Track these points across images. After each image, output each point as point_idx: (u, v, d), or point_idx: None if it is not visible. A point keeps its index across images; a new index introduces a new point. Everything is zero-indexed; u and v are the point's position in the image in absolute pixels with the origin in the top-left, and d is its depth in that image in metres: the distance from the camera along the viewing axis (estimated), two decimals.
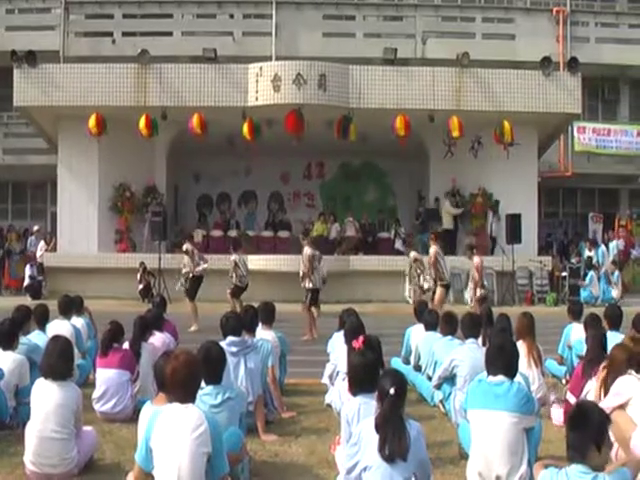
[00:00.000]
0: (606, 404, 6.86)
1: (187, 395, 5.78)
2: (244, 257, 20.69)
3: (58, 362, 7.26)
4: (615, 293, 26.17)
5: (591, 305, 23.21)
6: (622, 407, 6.97)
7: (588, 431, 4.97)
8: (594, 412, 5.09)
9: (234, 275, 20.16)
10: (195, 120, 25.15)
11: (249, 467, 7.17)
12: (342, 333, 9.93)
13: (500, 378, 6.63)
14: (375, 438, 5.72)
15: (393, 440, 5.63)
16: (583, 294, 25.76)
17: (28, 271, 26.89)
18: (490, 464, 6.36)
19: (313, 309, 18.36)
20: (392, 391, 5.78)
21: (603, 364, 7.97)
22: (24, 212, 36.84)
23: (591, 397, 7.91)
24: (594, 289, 25.99)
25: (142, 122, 25.26)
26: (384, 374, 6.24)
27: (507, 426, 6.38)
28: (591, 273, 26.33)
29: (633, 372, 7.30)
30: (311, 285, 18.51)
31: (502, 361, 6.74)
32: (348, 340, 9.17)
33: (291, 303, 19.60)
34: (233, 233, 28.42)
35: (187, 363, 5.82)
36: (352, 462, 5.86)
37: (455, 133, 25.69)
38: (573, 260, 28.02)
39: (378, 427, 5.69)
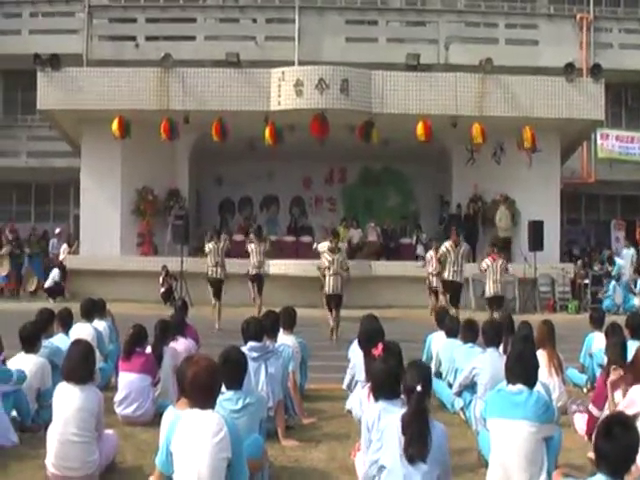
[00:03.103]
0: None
1: (207, 400, 5.78)
2: (259, 247, 21.06)
3: (79, 366, 7.28)
4: (637, 301, 26.01)
5: (613, 313, 23.04)
6: (635, 417, 6.92)
7: (626, 443, 4.87)
8: (634, 425, 4.99)
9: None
10: (214, 127, 25.24)
11: (269, 473, 7.18)
12: None
13: (519, 387, 6.59)
14: (396, 437, 5.74)
15: (416, 441, 5.65)
16: (605, 302, 25.62)
17: (54, 274, 26.97)
18: (509, 473, 6.33)
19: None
20: (419, 388, 5.80)
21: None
22: (47, 214, 37.05)
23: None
24: (616, 297, 25.84)
25: (162, 126, 25.36)
26: (409, 367, 6.26)
27: (526, 435, 6.34)
28: (613, 282, 26.20)
29: None
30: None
31: (521, 370, 6.71)
32: (363, 347, 9.19)
33: (312, 308, 19.63)
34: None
35: (208, 368, 5.83)
36: (373, 460, 5.89)
37: (477, 140, 25.64)
38: (595, 267, 27.87)
39: (404, 426, 5.71)
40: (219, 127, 25.35)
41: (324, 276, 18.81)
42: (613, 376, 8.11)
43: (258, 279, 20.94)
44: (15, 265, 28.50)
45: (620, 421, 4.94)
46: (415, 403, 5.79)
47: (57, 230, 30.74)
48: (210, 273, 20.63)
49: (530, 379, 6.71)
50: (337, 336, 18.01)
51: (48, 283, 26.57)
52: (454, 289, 19.75)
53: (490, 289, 20.06)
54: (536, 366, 6.98)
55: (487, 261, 20.25)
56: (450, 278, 19.59)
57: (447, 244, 19.73)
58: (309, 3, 34.83)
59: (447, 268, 19.53)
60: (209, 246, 20.83)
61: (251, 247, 21.14)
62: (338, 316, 18.52)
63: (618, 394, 7.95)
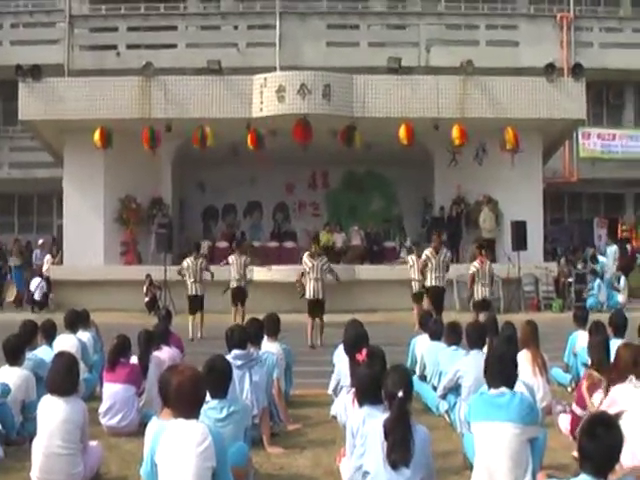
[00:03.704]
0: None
1: (192, 410, 5.79)
2: (240, 259, 20.88)
3: (63, 378, 7.29)
4: (621, 298, 26.12)
5: (597, 311, 23.10)
6: (617, 416, 6.94)
7: (609, 443, 4.88)
8: (617, 424, 5.01)
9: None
10: (193, 136, 25.32)
11: None
12: None
13: (501, 390, 6.61)
14: (379, 443, 5.78)
15: (399, 447, 5.67)
16: (589, 300, 25.69)
17: (33, 284, 26.91)
18: (494, 476, 6.33)
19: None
20: (400, 394, 5.82)
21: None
22: (30, 225, 36.97)
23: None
24: (600, 295, 25.91)
25: (142, 135, 25.38)
26: (390, 373, 6.29)
27: (510, 437, 6.34)
28: (597, 280, 26.29)
29: (634, 379, 7.29)
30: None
31: (501, 372, 6.72)
32: (347, 351, 9.21)
33: (296, 313, 19.62)
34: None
35: (192, 378, 5.83)
36: (357, 466, 5.92)
37: (457, 142, 25.70)
38: (579, 266, 27.95)
39: (387, 432, 5.74)
40: (199, 135, 25.37)
41: (303, 283, 18.88)
42: (587, 382, 8.17)
43: (239, 292, 20.74)
44: None
45: (603, 421, 4.96)
46: (397, 409, 5.82)
47: (40, 241, 30.64)
48: (189, 290, 20.39)
49: (510, 380, 6.73)
50: (321, 341, 17.97)
51: (37, 295, 26.47)
52: (437, 294, 19.65)
53: (478, 293, 19.92)
54: (515, 366, 6.99)
55: (475, 264, 20.20)
56: (433, 283, 19.57)
57: (427, 252, 19.72)
58: (290, 9, 34.94)
59: (429, 275, 19.56)
60: (187, 262, 20.61)
61: (232, 259, 20.91)
62: (322, 321, 18.46)
63: (598, 394, 7.99)
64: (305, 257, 19.23)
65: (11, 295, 27.79)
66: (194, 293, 20.29)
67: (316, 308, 18.51)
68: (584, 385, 8.20)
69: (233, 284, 20.62)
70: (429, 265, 19.43)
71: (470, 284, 20.26)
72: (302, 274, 19.03)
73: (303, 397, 11.45)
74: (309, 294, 18.62)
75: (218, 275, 21.06)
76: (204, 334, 19.45)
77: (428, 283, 19.63)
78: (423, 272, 19.93)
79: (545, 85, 26.63)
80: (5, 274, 28.69)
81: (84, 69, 32.68)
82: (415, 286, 21.11)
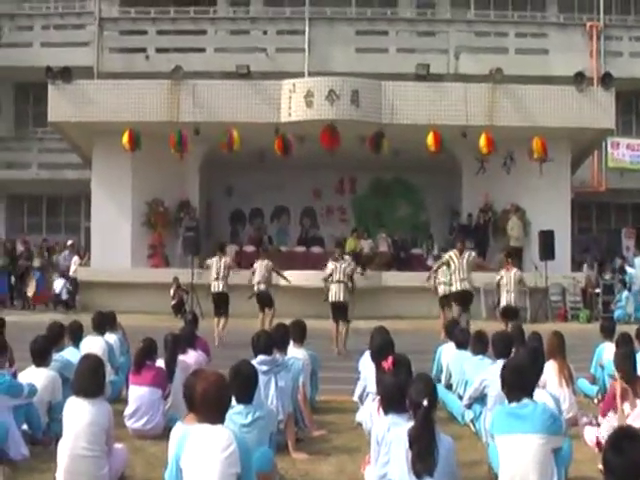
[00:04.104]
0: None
1: (217, 416, 5.78)
2: (263, 264, 20.65)
3: (89, 380, 7.29)
4: None
5: (624, 323, 22.93)
6: None
7: (634, 458, 4.81)
8: None
9: None
10: (233, 137, 25.29)
11: None
12: None
13: (523, 401, 6.56)
14: (403, 451, 5.76)
15: (423, 456, 5.66)
16: (616, 312, 25.54)
17: (60, 285, 27.04)
18: None
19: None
20: (425, 402, 5.80)
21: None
22: (58, 226, 37.15)
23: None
24: (628, 307, 25.76)
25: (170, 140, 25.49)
26: (415, 382, 6.27)
27: (535, 448, 6.30)
28: (625, 292, 26.12)
29: None
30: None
31: (518, 384, 6.67)
32: (375, 359, 9.18)
33: (322, 319, 19.58)
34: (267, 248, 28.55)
35: (217, 384, 5.84)
36: (381, 475, 5.91)
37: (484, 150, 25.63)
38: (607, 277, 27.79)
39: (412, 441, 5.72)
40: (226, 140, 25.40)
41: (326, 287, 18.81)
42: (618, 388, 8.11)
43: (263, 296, 20.44)
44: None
45: (629, 435, 4.88)
46: (422, 418, 5.81)
47: (69, 242, 30.71)
48: (212, 287, 20.18)
49: (528, 389, 6.68)
50: (345, 347, 17.80)
51: (64, 295, 26.62)
52: (464, 298, 18.77)
53: (503, 299, 19.62)
54: (532, 374, 6.94)
55: (502, 272, 20.00)
56: (458, 288, 18.69)
57: (451, 252, 19.38)
58: (319, 14, 34.93)
59: (453, 278, 19.11)
60: (211, 260, 20.52)
61: (256, 265, 20.74)
62: (346, 327, 18.26)
63: (626, 407, 7.93)
64: (329, 261, 19.20)
65: (30, 291, 27.78)
66: (217, 290, 20.04)
67: (338, 312, 18.31)
68: (618, 391, 8.12)
69: (256, 289, 20.54)
70: (452, 266, 18.95)
71: (497, 291, 20.13)
72: (325, 279, 18.93)
73: (328, 403, 11.44)
74: (331, 297, 18.46)
75: (244, 279, 21.02)
76: (225, 339, 18.77)
77: (454, 288, 18.99)
78: (437, 269, 19.81)
79: (574, 94, 26.53)
80: (29, 274, 28.69)
81: (113, 72, 32.84)
82: (441, 289, 20.92)
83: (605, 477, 4.78)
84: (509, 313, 19.33)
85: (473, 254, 19.49)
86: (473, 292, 19.35)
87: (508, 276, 19.59)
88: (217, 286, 20.10)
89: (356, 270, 19.27)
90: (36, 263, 28.75)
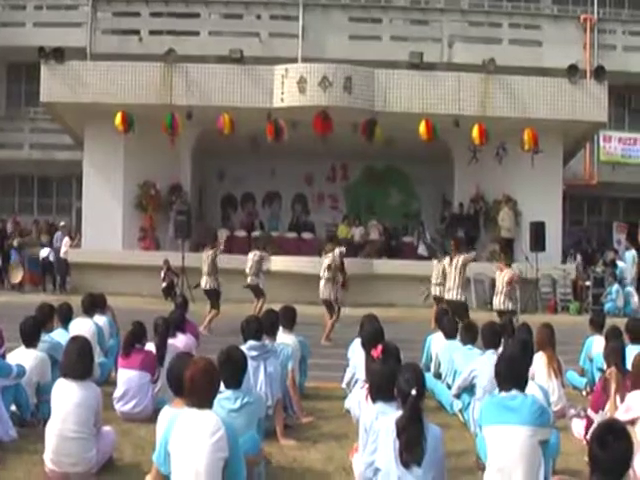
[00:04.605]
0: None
1: (205, 401, 5.81)
2: (257, 255, 20.59)
3: (77, 362, 7.29)
4: (634, 305, 25.98)
5: (614, 316, 22.95)
6: (632, 423, 6.91)
7: (619, 451, 4.84)
8: (627, 433, 4.92)
9: None
10: (225, 120, 25.21)
11: (265, 471, 7.18)
12: None
13: (513, 392, 6.56)
14: (391, 440, 5.77)
15: (411, 445, 5.66)
16: (607, 305, 25.58)
17: (46, 251, 27.45)
18: (506, 478, 6.32)
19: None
20: (414, 392, 5.81)
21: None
22: (49, 207, 37.05)
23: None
24: (619, 300, 25.81)
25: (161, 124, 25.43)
26: (403, 371, 6.27)
27: (523, 439, 6.30)
28: (616, 285, 26.17)
29: None
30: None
31: (511, 375, 6.66)
32: (365, 347, 9.19)
33: (313, 305, 19.58)
34: (257, 233, 28.54)
35: (206, 369, 5.87)
36: (368, 462, 5.91)
37: (477, 141, 25.63)
38: (597, 269, 27.84)
39: (399, 430, 5.73)
40: (229, 120, 25.29)
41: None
42: (613, 379, 8.11)
43: (251, 288, 20.37)
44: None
45: (614, 429, 4.91)
46: (410, 407, 5.81)
47: (62, 223, 30.48)
48: (202, 283, 19.75)
49: (520, 382, 6.67)
50: (327, 336, 17.46)
51: (51, 257, 27.13)
52: (456, 308, 17.20)
53: (495, 301, 18.98)
54: (526, 368, 6.95)
55: (496, 272, 19.58)
56: (450, 297, 18.08)
57: (445, 261, 19.21)
58: (313, 0, 34.80)
59: (446, 286, 18.45)
60: (203, 255, 20.18)
61: (249, 256, 20.67)
62: (333, 318, 18.02)
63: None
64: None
65: (16, 277, 27.60)
66: (204, 287, 19.64)
67: (325, 306, 18.45)
68: (613, 382, 8.12)
69: (247, 280, 20.47)
70: (447, 274, 18.63)
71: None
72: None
73: (317, 390, 11.45)
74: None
75: (238, 265, 20.96)
76: (211, 328, 18.21)
77: (447, 296, 18.29)
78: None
79: (567, 86, 26.55)
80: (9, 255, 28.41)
81: (106, 53, 32.60)
82: (433, 289, 20.69)
83: (591, 470, 4.81)
84: (500, 315, 19.10)
85: (462, 258, 18.41)
86: (465, 303, 18.34)
87: (500, 278, 18.88)
88: (206, 283, 19.62)
89: (337, 256, 18.95)
90: (15, 243, 28.56)
